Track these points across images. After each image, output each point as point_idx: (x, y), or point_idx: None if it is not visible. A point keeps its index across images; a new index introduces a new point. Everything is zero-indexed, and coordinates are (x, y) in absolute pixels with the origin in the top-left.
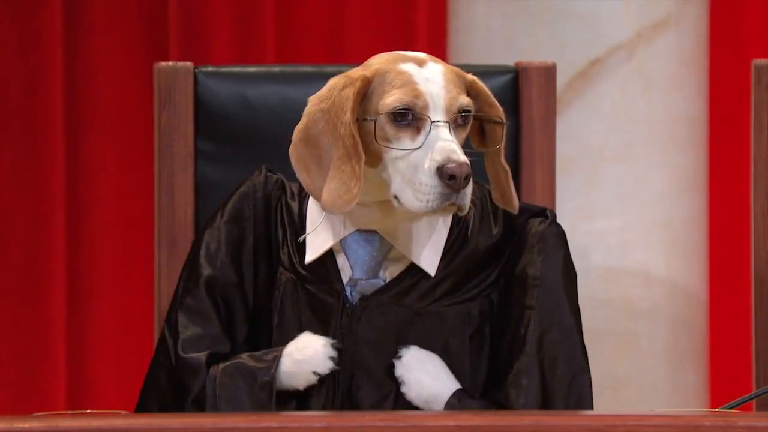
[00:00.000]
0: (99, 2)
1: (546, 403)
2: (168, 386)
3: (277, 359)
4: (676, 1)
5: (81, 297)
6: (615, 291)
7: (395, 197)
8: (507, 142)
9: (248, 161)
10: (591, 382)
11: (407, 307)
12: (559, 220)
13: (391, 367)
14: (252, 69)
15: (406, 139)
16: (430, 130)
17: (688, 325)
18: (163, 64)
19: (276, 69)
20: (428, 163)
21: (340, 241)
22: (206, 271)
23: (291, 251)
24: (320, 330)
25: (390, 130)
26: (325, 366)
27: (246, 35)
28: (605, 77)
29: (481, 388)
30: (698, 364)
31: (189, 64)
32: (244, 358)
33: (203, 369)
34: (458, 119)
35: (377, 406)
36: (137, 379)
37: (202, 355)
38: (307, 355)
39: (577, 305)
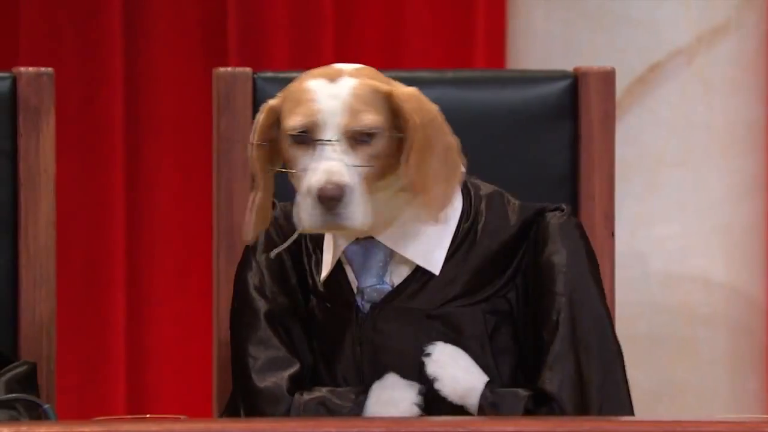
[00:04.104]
0: (158, 8)
1: (582, 387)
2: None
3: (362, 399)
4: (737, 6)
5: (141, 302)
6: (674, 297)
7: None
8: (565, 148)
9: None
10: (625, 369)
11: (418, 310)
12: (618, 225)
13: (414, 370)
14: None
15: (306, 158)
16: (319, 150)
17: (748, 331)
18: (222, 69)
19: None
20: (305, 183)
21: (344, 253)
22: (262, 305)
23: (314, 273)
24: (341, 344)
25: (292, 150)
26: (411, 411)
27: (305, 40)
28: (665, 82)
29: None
30: (759, 370)
31: (248, 69)
32: (326, 392)
33: (285, 397)
34: (358, 137)
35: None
36: (196, 384)
37: (281, 383)
38: (392, 397)
39: (604, 294)
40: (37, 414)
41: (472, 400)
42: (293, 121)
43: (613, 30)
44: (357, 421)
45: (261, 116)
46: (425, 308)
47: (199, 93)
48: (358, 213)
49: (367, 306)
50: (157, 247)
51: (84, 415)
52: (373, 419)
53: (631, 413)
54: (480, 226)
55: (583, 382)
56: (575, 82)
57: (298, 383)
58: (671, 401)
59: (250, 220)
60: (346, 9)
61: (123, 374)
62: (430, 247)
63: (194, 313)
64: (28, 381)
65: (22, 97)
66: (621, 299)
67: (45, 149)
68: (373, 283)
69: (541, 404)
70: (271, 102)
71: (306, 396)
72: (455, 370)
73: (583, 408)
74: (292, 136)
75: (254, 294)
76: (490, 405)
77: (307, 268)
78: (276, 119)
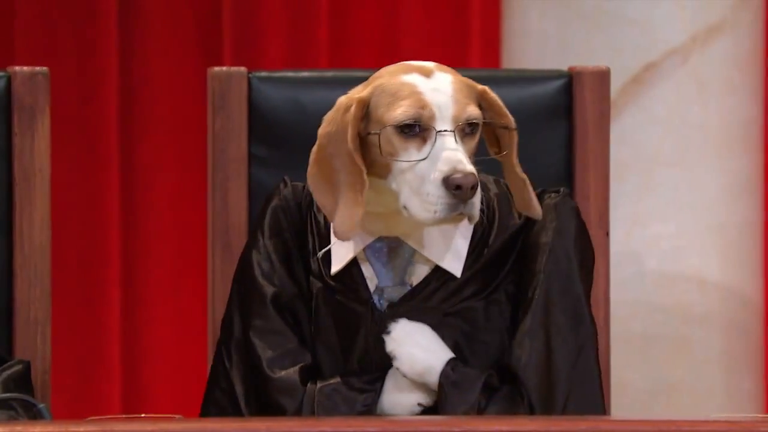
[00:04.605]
0: (153, 8)
1: (549, 367)
2: (248, 409)
3: (379, 386)
4: (732, 6)
5: (136, 302)
6: (669, 296)
7: (404, 207)
8: (560, 147)
9: (302, 166)
10: (597, 351)
11: (436, 310)
12: (612, 225)
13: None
14: (305, 74)
15: (413, 149)
16: (435, 140)
17: (743, 331)
18: (217, 69)
19: (329, 74)
20: (434, 173)
21: (364, 249)
22: (269, 290)
23: (320, 261)
24: (352, 337)
25: (397, 141)
26: (431, 398)
27: (299, 40)
28: (660, 82)
29: None
30: (754, 370)
31: (243, 69)
32: (339, 380)
33: (299, 388)
34: (465, 128)
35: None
36: (192, 384)
37: (293, 374)
38: (409, 384)
39: (590, 276)
40: (32, 413)
41: (432, 379)
42: (400, 113)
43: (608, 29)
44: (354, 420)
45: (353, 108)
46: (443, 308)
47: (194, 92)
48: (478, 203)
49: (385, 304)
50: (152, 247)
51: (79, 414)
52: (369, 419)
53: (600, 396)
54: (495, 226)
55: (551, 362)
56: (570, 81)
57: (309, 375)
58: (666, 401)
59: (346, 220)
60: (342, 9)
61: (118, 373)
62: (451, 249)
63: (189, 312)
64: (24, 380)
65: (17, 96)
66: (616, 298)
67: (40, 149)
68: (394, 283)
69: (505, 381)
70: (357, 95)
71: (319, 384)
72: (413, 348)
73: (548, 389)
74: (399, 127)
75: (262, 281)
76: (451, 384)
77: (311, 249)
78: (364, 113)
